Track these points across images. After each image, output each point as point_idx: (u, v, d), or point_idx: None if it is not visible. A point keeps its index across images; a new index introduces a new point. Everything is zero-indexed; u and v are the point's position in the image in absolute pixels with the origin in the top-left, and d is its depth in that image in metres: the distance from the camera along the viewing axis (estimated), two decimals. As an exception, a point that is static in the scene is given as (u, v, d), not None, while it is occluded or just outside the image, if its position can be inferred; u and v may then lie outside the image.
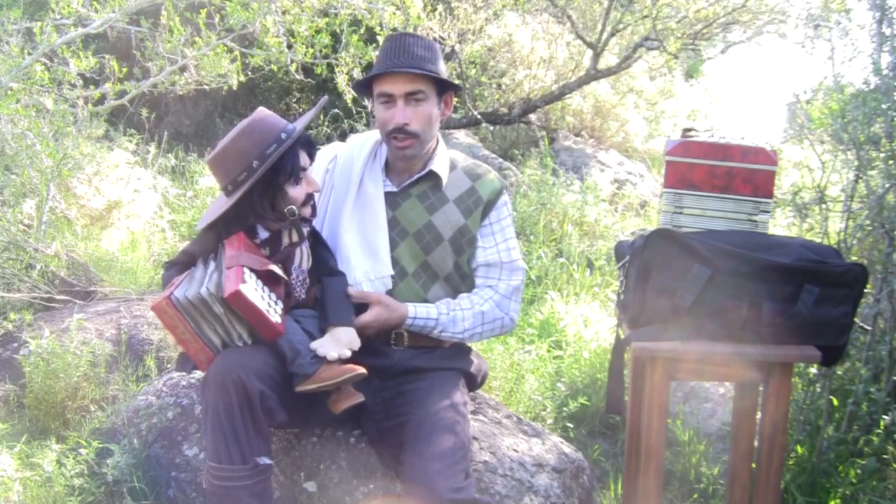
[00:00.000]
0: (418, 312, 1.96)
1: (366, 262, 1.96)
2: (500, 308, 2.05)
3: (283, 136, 1.78)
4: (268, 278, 1.75)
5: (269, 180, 1.79)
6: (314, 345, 1.78)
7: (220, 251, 1.79)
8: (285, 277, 1.81)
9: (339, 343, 1.80)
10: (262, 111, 1.83)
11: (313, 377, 1.74)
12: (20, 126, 3.59)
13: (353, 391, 1.81)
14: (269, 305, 1.71)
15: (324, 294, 1.91)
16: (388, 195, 2.02)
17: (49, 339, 2.54)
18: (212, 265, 1.77)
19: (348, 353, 1.78)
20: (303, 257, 1.89)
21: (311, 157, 1.88)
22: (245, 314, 1.67)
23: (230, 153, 1.77)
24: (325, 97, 2.08)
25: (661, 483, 1.81)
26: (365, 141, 2.09)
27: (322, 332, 1.84)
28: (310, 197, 1.85)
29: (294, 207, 1.81)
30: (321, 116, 5.90)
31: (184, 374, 2.30)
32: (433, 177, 2.05)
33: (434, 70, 1.95)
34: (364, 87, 2.04)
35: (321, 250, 1.94)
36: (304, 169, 1.83)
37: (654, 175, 6.90)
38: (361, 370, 1.75)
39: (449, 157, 2.11)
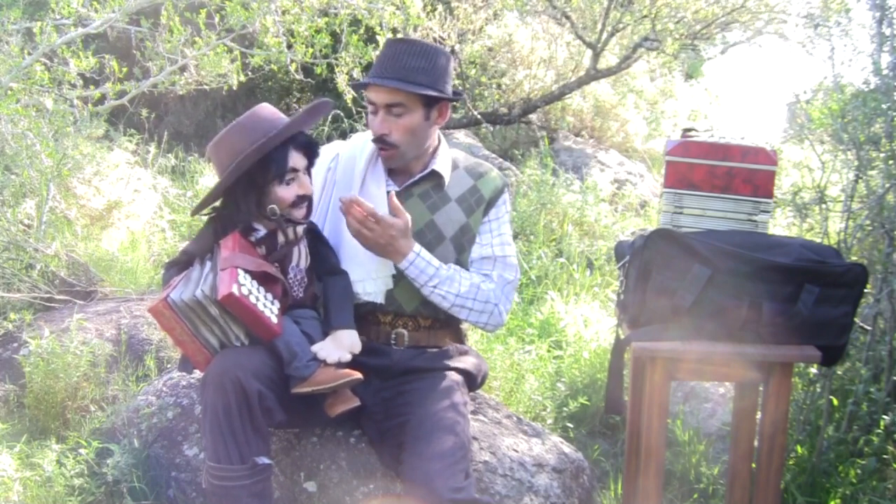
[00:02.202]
0: (423, 254, 1.93)
1: (368, 261, 1.96)
2: (493, 294, 2.03)
3: (273, 132, 1.77)
4: (264, 278, 1.75)
5: (253, 177, 1.78)
6: (315, 348, 1.78)
7: (216, 252, 1.79)
8: (281, 277, 1.80)
9: (340, 346, 1.80)
10: (262, 106, 1.83)
11: (309, 380, 1.73)
12: (20, 126, 3.59)
13: (349, 395, 1.81)
14: (265, 306, 1.70)
15: (326, 295, 1.90)
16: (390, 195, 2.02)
17: (49, 339, 2.54)
18: (207, 266, 1.77)
19: (349, 357, 1.78)
20: (301, 256, 1.89)
21: (311, 159, 1.86)
22: (240, 316, 1.67)
23: (223, 145, 1.78)
24: (327, 100, 2.07)
25: (661, 483, 1.81)
26: (367, 140, 2.08)
27: (324, 334, 1.84)
28: (302, 199, 1.83)
29: (275, 207, 1.79)
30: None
31: (184, 374, 2.30)
32: (435, 176, 2.05)
33: (422, 82, 1.91)
34: (362, 89, 2.04)
35: (322, 248, 1.94)
36: (296, 170, 1.81)
37: (654, 175, 6.89)
38: (357, 376, 1.75)
39: (451, 156, 2.11)
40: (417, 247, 1.92)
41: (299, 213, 1.84)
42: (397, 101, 1.92)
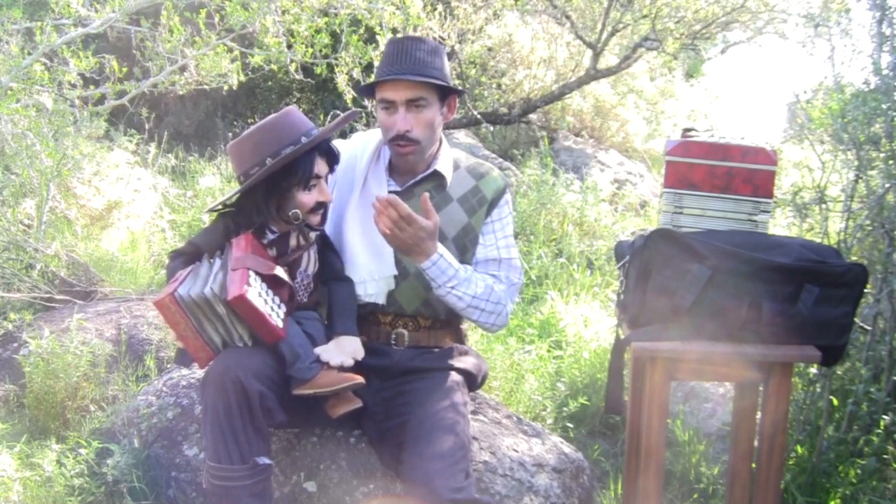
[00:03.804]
0: (446, 255, 1.91)
1: (369, 262, 1.96)
2: (503, 296, 2.03)
3: (303, 139, 1.78)
4: (273, 282, 1.75)
5: (278, 181, 1.78)
6: (318, 350, 1.78)
7: (227, 250, 1.79)
8: (290, 281, 1.80)
9: (343, 351, 1.80)
10: (291, 109, 1.84)
11: (311, 382, 1.74)
12: (20, 126, 3.59)
13: (351, 396, 1.81)
14: (272, 310, 1.70)
15: (331, 300, 1.91)
16: (391, 195, 2.02)
17: (49, 339, 2.54)
18: (217, 263, 1.77)
19: (351, 363, 1.79)
20: (309, 261, 1.89)
21: (331, 167, 1.88)
22: (247, 317, 1.67)
23: (247, 145, 1.78)
24: (357, 110, 2.07)
25: (661, 483, 1.81)
26: (368, 140, 2.09)
27: (327, 338, 1.84)
28: (320, 205, 1.84)
29: (298, 212, 1.81)
30: (321, 116, 5.90)
31: (184, 374, 2.30)
32: (437, 177, 2.05)
33: (437, 75, 1.93)
34: (368, 89, 2.03)
35: (329, 254, 1.94)
36: (319, 177, 1.82)
37: (654, 175, 6.90)
38: (360, 380, 1.75)
39: (452, 156, 2.11)
40: (441, 248, 1.91)
41: (315, 218, 1.85)
42: (420, 94, 1.92)
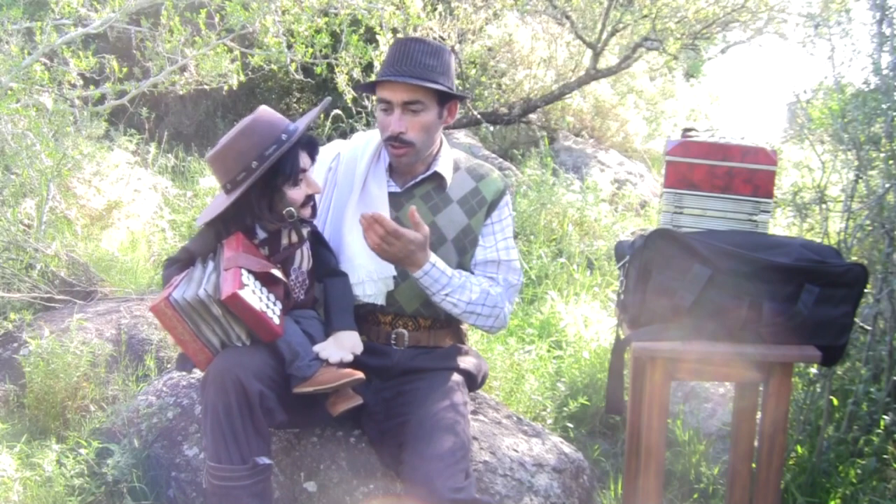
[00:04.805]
0: (438, 264, 1.92)
1: (368, 263, 1.96)
2: (500, 299, 2.03)
3: (284, 137, 1.77)
4: (266, 279, 1.75)
5: (267, 182, 1.78)
6: (317, 348, 1.78)
7: (219, 251, 1.79)
8: (283, 279, 1.80)
9: (342, 347, 1.80)
10: (263, 110, 1.83)
11: (311, 380, 1.73)
12: (20, 126, 3.59)
13: (352, 393, 1.81)
14: (268, 307, 1.70)
15: (327, 297, 1.91)
16: (391, 196, 2.02)
17: (49, 339, 2.54)
18: (210, 265, 1.77)
19: (350, 358, 1.79)
20: (303, 258, 1.89)
21: (313, 157, 1.88)
22: (243, 316, 1.67)
23: (229, 152, 1.77)
24: (329, 98, 2.07)
25: (661, 483, 1.81)
26: (369, 140, 2.09)
27: (325, 335, 1.84)
28: (309, 198, 1.85)
29: (293, 209, 1.81)
30: (322, 116, 5.90)
31: (184, 374, 2.30)
32: (437, 178, 2.05)
33: (437, 80, 1.92)
34: (370, 86, 2.03)
35: (322, 251, 1.94)
36: (304, 170, 1.83)
37: (654, 175, 6.90)
38: (360, 375, 1.75)
39: (452, 157, 2.11)
40: (433, 257, 1.91)
41: (306, 211, 1.86)
42: (416, 98, 1.92)
